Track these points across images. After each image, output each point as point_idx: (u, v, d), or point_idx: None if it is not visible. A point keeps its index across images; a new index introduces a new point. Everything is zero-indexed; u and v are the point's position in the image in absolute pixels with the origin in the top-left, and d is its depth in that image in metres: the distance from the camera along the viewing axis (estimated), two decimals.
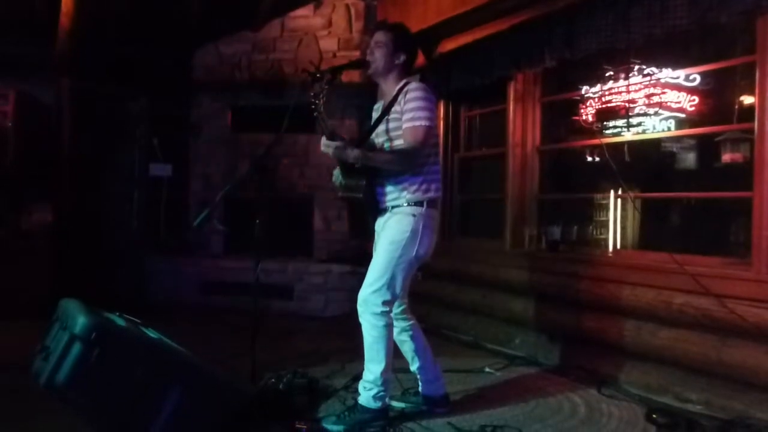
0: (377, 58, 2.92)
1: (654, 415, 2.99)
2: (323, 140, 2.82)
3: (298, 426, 2.70)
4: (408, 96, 2.83)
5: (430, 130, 2.82)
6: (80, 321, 2.22)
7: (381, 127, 2.95)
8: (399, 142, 2.88)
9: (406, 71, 2.99)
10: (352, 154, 2.79)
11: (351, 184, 2.94)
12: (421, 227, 2.83)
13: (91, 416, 2.39)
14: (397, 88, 2.91)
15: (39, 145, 5.72)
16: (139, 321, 2.72)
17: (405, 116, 2.82)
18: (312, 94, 2.78)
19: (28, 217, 5.72)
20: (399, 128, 2.86)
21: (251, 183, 3.30)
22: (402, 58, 2.95)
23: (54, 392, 2.24)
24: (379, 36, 2.95)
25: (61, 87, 5.65)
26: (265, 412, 2.84)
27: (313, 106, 2.80)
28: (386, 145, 2.93)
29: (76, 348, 2.21)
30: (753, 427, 2.85)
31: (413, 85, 2.89)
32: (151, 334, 2.66)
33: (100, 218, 6.00)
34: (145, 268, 6.30)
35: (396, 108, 2.87)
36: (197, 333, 4.72)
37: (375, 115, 3.07)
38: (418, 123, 2.79)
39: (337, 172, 3.01)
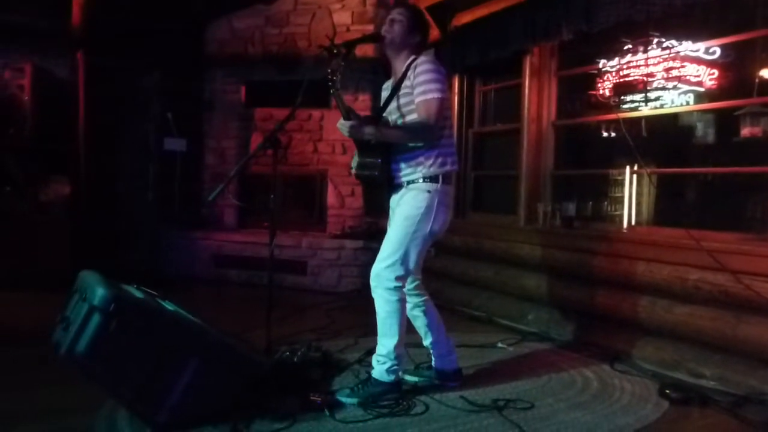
0: (395, 30, 2.90)
1: (667, 391, 2.99)
2: (340, 120, 2.83)
3: (313, 398, 2.73)
4: (418, 70, 2.82)
5: (443, 102, 2.81)
6: (99, 293, 2.26)
7: (393, 104, 2.94)
8: (412, 117, 2.86)
9: (417, 53, 2.96)
10: (368, 130, 2.79)
11: (366, 162, 2.93)
12: (435, 203, 2.83)
13: (109, 386, 2.44)
14: (407, 64, 2.90)
15: (55, 119, 5.76)
16: (156, 293, 2.76)
17: (417, 90, 2.81)
18: (329, 70, 2.78)
19: (45, 190, 5.78)
20: (411, 103, 2.85)
21: (265, 158, 3.30)
22: (416, 38, 2.96)
23: (74, 362, 2.28)
24: (399, 12, 2.95)
25: (76, 61, 5.66)
26: (280, 384, 2.88)
27: (330, 83, 2.81)
28: (399, 121, 2.92)
29: (95, 319, 2.25)
30: (767, 403, 2.86)
31: (422, 59, 2.88)
32: (168, 306, 2.69)
33: (116, 191, 6.06)
34: (160, 241, 6.36)
35: (406, 83, 2.86)
36: (212, 306, 4.78)
37: (385, 93, 3.06)
38: (430, 96, 2.78)
39: (354, 158, 3.01)
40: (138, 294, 2.55)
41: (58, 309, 2.50)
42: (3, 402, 2.77)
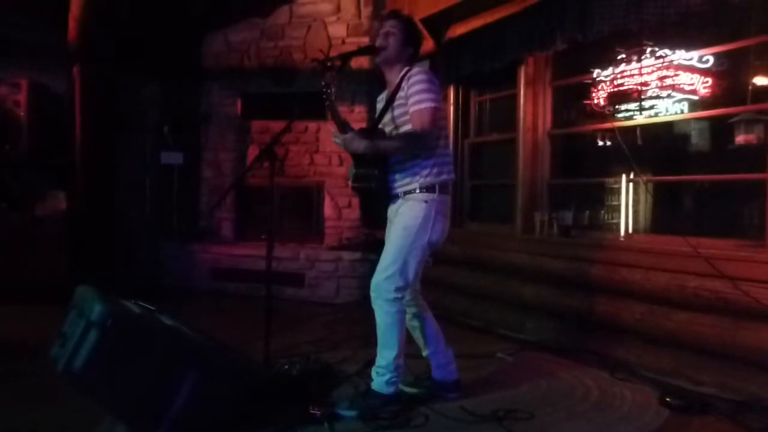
0: (389, 43, 2.92)
1: (667, 398, 2.99)
2: (334, 133, 2.84)
3: (312, 411, 2.71)
4: (411, 80, 2.84)
5: (436, 111, 2.82)
6: (97, 308, 2.25)
7: (387, 116, 2.95)
8: (406, 128, 2.87)
9: (411, 64, 2.98)
10: (362, 144, 2.80)
11: (362, 173, 2.94)
12: (433, 213, 2.83)
13: (107, 402, 2.43)
14: (400, 75, 2.92)
15: (52, 133, 5.76)
16: (153, 308, 2.75)
17: (410, 100, 2.82)
18: (323, 83, 2.79)
19: (42, 204, 5.78)
20: (405, 114, 2.86)
21: (262, 170, 3.30)
22: (410, 50, 2.98)
23: (71, 378, 2.27)
24: (392, 24, 2.96)
25: (72, 74, 5.67)
26: (280, 397, 2.86)
27: (324, 96, 2.82)
28: (393, 132, 2.93)
29: (93, 335, 2.24)
30: (767, 409, 2.85)
31: (415, 70, 2.89)
32: (166, 320, 2.68)
33: (114, 205, 6.05)
34: (158, 253, 6.35)
35: (400, 94, 2.88)
36: (210, 319, 4.76)
37: (379, 105, 3.08)
38: (423, 105, 2.79)
39: (351, 169, 3.02)
40: (135, 309, 2.55)
41: (56, 323, 2.49)
42: (0, 417, 2.75)
